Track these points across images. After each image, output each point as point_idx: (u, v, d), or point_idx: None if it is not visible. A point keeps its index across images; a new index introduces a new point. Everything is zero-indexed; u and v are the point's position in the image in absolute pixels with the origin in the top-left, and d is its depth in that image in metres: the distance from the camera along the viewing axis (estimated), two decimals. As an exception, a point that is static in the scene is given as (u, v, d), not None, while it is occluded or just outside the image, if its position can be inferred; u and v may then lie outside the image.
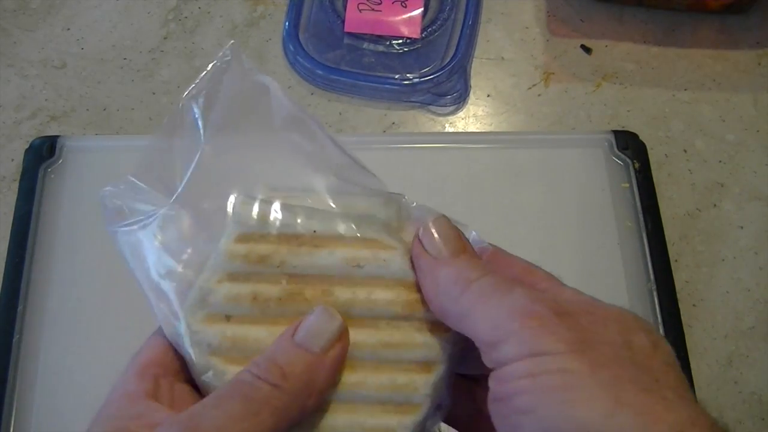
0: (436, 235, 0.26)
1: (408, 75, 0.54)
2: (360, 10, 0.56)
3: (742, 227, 0.50)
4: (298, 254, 0.26)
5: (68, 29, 0.58)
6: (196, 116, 0.29)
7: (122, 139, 0.52)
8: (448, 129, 0.54)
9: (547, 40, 0.58)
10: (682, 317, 0.46)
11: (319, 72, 0.54)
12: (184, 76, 0.56)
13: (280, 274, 0.26)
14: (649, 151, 0.51)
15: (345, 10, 0.57)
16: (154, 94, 0.55)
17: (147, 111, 0.54)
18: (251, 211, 0.26)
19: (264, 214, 0.26)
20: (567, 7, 0.59)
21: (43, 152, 0.50)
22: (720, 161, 0.53)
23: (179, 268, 0.27)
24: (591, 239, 0.48)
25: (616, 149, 0.51)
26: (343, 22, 0.56)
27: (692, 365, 0.44)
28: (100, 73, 0.56)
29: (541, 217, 0.49)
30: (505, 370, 0.22)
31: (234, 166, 0.28)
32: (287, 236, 0.26)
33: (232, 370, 0.25)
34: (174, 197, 0.27)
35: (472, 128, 0.54)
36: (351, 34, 0.56)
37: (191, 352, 0.25)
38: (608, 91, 0.55)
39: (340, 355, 0.25)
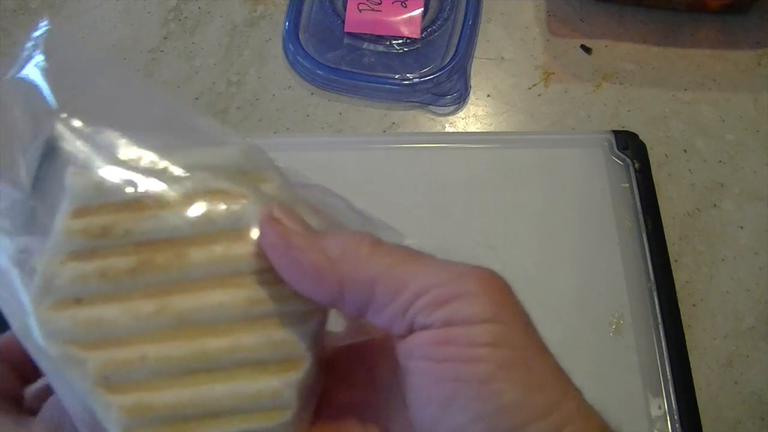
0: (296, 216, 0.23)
1: (408, 75, 0.54)
2: (360, 10, 0.56)
3: (742, 227, 0.50)
4: (143, 219, 0.24)
5: (68, 29, 0.58)
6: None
7: (122, 139, 0.52)
8: (448, 129, 0.54)
9: (547, 40, 0.58)
10: (682, 317, 0.46)
11: (319, 72, 0.54)
12: (184, 76, 0.56)
13: (127, 244, 0.24)
14: (649, 151, 0.51)
15: (345, 10, 0.57)
16: (154, 94, 0.55)
17: (147, 111, 0.54)
18: (85, 181, 0.24)
19: (99, 183, 0.24)
20: (567, 7, 0.59)
21: (42, 152, 0.50)
22: (720, 161, 0.53)
23: (23, 254, 0.24)
24: (591, 239, 0.48)
25: (616, 149, 0.51)
26: (343, 22, 0.56)
27: (692, 365, 0.44)
28: (100, 73, 0.56)
29: (541, 217, 0.49)
30: (458, 332, 0.20)
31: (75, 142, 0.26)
32: (128, 202, 0.24)
33: (93, 356, 0.23)
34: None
35: (472, 128, 0.54)
36: (351, 34, 0.56)
37: (44, 345, 0.23)
38: (608, 91, 0.55)
39: None
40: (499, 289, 0.21)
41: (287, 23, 0.57)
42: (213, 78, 0.56)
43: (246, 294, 0.24)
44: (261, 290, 0.24)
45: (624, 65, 0.57)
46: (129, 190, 0.24)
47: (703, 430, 0.42)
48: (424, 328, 0.20)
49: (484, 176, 0.50)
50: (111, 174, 0.24)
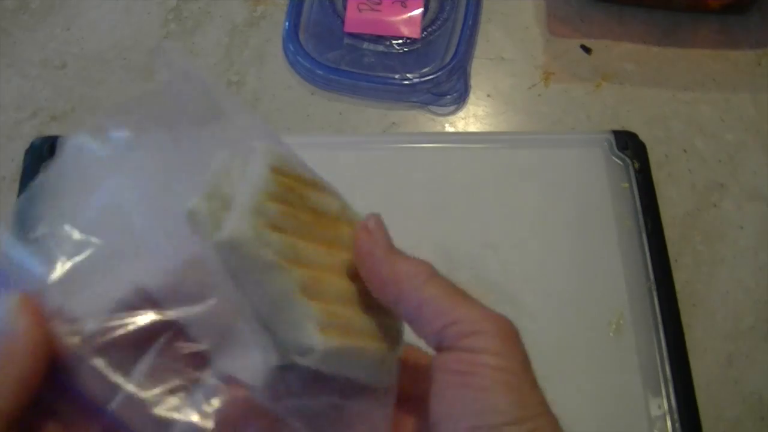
0: (381, 230, 0.30)
1: (408, 75, 0.54)
2: (360, 10, 0.56)
3: (742, 227, 0.50)
4: (309, 192, 0.31)
5: (68, 29, 0.58)
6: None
7: (122, 139, 0.52)
8: (448, 129, 0.54)
9: (547, 40, 0.58)
10: (682, 317, 0.46)
11: (319, 72, 0.54)
12: (184, 76, 0.56)
13: (303, 204, 0.31)
14: (649, 151, 0.51)
15: (345, 10, 0.57)
16: (154, 94, 0.55)
17: (147, 111, 0.54)
18: (273, 149, 0.31)
19: (281, 155, 0.31)
20: (567, 7, 0.59)
21: (43, 152, 0.50)
22: (720, 161, 0.53)
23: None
24: (591, 239, 0.48)
25: (615, 149, 0.51)
26: (343, 22, 0.56)
27: (692, 365, 0.44)
28: (100, 73, 0.56)
29: (541, 217, 0.49)
30: (474, 357, 0.27)
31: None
32: (297, 177, 0.31)
33: (294, 269, 0.29)
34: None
35: (472, 128, 0.54)
36: (351, 34, 0.56)
37: (260, 252, 0.28)
38: (608, 91, 0.55)
39: (29, 326, 0.26)
40: (510, 334, 0.27)
41: (287, 23, 0.57)
42: (213, 78, 0.56)
43: None
44: None
45: (624, 65, 0.57)
46: (299, 168, 0.32)
47: (703, 430, 0.42)
48: (450, 348, 0.27)
49: (484, 176, 0.50)
50: (289, 154, 0.32)
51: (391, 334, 0.31)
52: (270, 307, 0.28)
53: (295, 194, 0.31)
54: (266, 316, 0.28)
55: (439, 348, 0.28)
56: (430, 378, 0.28)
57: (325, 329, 0.28)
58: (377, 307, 0.31)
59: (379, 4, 0.57)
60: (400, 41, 0.56)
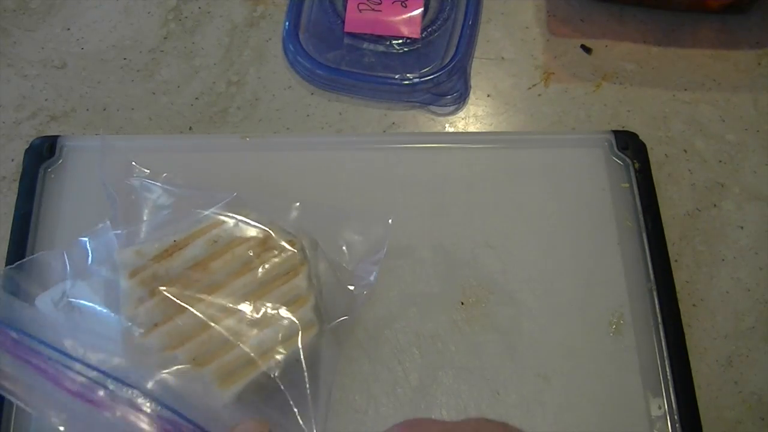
0: None
1: (408, 75, 0.54)
2: (360, 10, 0.56)
3: (742, 227, 0.50)
4: (172, 259, 0.38)
5: (68, 29, 0.58)
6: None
7: (122, 139, 0.52)
8: (448, 129, 0.54)
9: (547, 40, 0.58)
10: (682, 317, 0.46)
11: (319, 72, 0.54)
12: (184, 76, 0.56)
13: (171, 276, 0.38)
14: (649, 151, 0.51)
15: (345, 10, 0.57)
16: (154, 94, 0.55)
17: (147, 111, 0.54)
18: (128, 253, 0.38)
19: (138, 251, 0.38)
20: (567, 7, 0.59)
21: (43, 152, 0.50)
22: (720, 161, 0.53)
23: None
24: (591, 239, 0.48)
25: (616, 149, 0.51)
26: (343, 22, 0.56)
27: (692, 365, 0.44)
28: (100, 73, 0.56)
29: (541, 217, 0.49)
30: None
31: None
32: (158, 255, 0.38)
33: (182, 349, 0.36)
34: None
35: (472, 128, 0.54)
36: (351, 34, 0.56)
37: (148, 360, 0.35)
38: (608, 91, 0.55)
39: None
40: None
41: (287, 23, 0.57)
42: (213, 78, 0.56)
43: (255, 273, 0.39)
44: (264, 267, 0.39)
45: (624, 65, 0.57)
46: (156, 246, 0.38)
47: (703, 430, 0.42)
48: None
49: (484, 176, 0.50)
50: (145, 244, 0.39)
51: (301, 320, 0.37)
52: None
53: (160, 276, 0.37)
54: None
55: None
56: None
57: (224, 381, 0.35)
58: (278, 306, 0.37)
59: (379, 4, 0.57)
60: (400, 41, 0.56)
